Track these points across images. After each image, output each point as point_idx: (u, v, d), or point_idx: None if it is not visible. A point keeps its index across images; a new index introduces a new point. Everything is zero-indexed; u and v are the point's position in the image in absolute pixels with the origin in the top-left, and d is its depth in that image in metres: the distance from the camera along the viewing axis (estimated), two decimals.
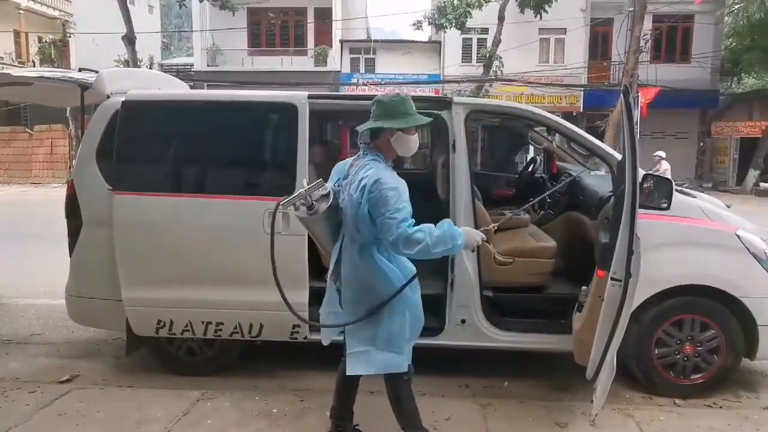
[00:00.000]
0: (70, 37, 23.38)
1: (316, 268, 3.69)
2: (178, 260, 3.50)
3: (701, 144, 21.62)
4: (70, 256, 3.67)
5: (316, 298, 3.58)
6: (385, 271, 2.46)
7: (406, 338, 2.52)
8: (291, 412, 3.23)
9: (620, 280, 2.80)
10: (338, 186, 2.59)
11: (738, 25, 19.14)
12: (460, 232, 2.39)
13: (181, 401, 3.32)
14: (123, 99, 3.56)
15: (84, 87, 3.71)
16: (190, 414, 3.19)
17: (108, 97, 3.63)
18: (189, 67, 23.52)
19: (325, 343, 2.82)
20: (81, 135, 3.81)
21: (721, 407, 3.39)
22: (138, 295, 3.50)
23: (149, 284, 3.50)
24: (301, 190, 2.45)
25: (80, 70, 4.33)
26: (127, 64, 17.32)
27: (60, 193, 3.78)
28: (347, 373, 2.58)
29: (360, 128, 2.51)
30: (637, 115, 15.72)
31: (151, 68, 19.90)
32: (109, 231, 3.47)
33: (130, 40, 16.85)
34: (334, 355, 2.77)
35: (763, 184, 18.31)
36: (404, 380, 2.58)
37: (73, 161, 3.67)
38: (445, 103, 3.57)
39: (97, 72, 3.80)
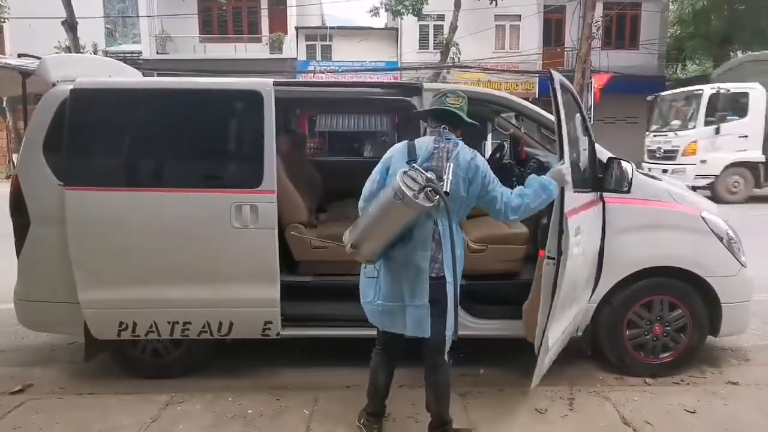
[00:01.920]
0: (4, 22, 21.87)
1: (288, 263, 3.57)
2: (139, 258, 3.29)
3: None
4: (18, 257, 3.41)
5: (287, 292, 3.48)
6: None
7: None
8: (267, 412, 3.10)
9: (554, 258, 2.86)
10: None
11: (683, 13, 19.89)
12: (547, 179, 2.68)
13: (148, 406, 3.15)
14: (71, 87, 3.30)
15: (26, 74, 3.43)
16: (159, 420, 3.03)
17: (53, 85, 3.36)
18: (137, 54, 22.42)
19: (383, 328, 2.75)
20: (25, 127, 3.52)
21: (688, 384, 3.50)
22: (97, 297, 3.28)
23: (109, 284, 3.28)
24: (430, 175, 2.41)
25: (20, 56, 4.01)
26: (68, 50, 16.35)
27: (1, 188, 3.49)
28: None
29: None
30: (591, 100, 16.14)
31: (95, 55, 18.90)
32: (60, 229, 3.22)
33: (70, 25, 15.87)
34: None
35: None
36: (450, 365, 2.70)
37: (13, 155, 3.39)
38: (416, 89, 3.52)
39: (38, 58, 3.52)
